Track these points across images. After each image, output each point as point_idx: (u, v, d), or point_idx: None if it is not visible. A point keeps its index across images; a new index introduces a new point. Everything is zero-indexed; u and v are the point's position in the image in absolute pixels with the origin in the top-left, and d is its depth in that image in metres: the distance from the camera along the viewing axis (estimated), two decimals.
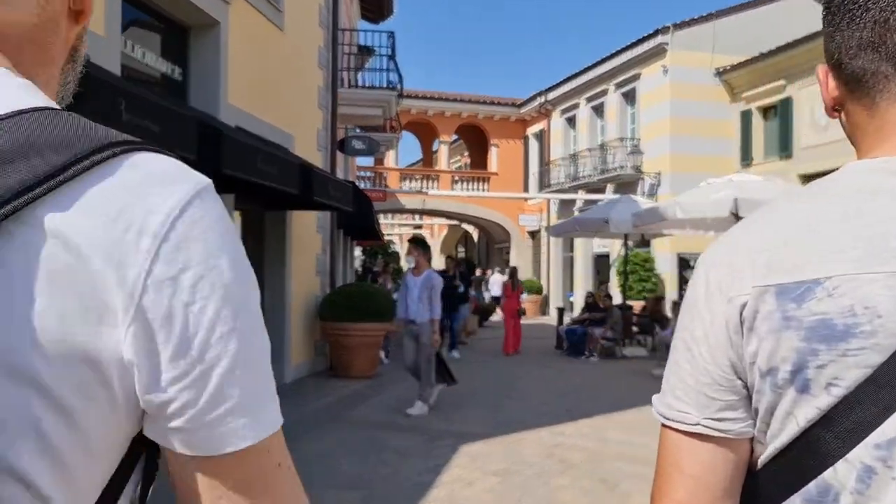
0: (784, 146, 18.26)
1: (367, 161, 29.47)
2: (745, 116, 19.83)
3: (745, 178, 10.31)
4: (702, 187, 10.91)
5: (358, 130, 12.03)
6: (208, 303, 0.51)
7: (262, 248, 9.00)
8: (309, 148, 10.07)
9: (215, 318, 0.51)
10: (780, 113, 18.51)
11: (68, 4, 0.60)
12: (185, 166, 0.55)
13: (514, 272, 14.45)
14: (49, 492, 0.49)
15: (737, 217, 9.48)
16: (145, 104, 4.38)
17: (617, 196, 14.99)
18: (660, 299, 14.13)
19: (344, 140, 11.39)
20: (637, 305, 15.88)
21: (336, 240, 13.19)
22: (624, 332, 13.18)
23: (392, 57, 12.07)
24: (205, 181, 0.54)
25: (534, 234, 29.35)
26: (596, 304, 14.02)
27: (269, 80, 8.48)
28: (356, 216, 11.77)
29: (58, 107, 0.54)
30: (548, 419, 7.15)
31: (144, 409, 0.52)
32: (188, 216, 0.51)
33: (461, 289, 12.72)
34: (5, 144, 0.48)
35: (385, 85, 12.13)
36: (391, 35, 11.82)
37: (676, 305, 10.91)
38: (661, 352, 10.74)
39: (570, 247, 26.19)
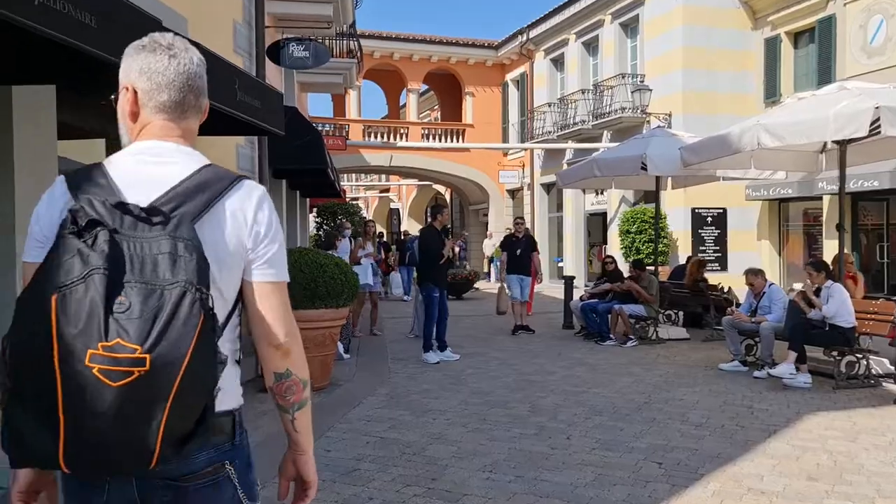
0: (824, 76, 15.17)
1: (325, 110, 25.84)
2: (771, 44, 16.71)
3: (865, 86, 7.14)
4: (788, 104, 7.75)
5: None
6: (273, 227, 1.46)
7: None
8: (219, 48, 6.58)
9: (276, 235, 1.46)
10: (820, 36, 15.41)
11: None
12: (257, 185, 1.49)
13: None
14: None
15: (857, 139, 6.38)
16: None
17: (651, 129, 11.79)
18: (703, 263, 11.04)
19: (278, 45, 7.93)
20: (663, 271, 12.81)
21: (275, 189, 9.76)
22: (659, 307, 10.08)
23: None
24: (262, 189, 1.48)
25: (514, 193, 26.14)
26: (617, 270, 10.89)
27: None
28: (302, 154, 8.36)
29: (209, 162, 1.45)
30: (634, 489, 3.99)
31: (246, 262, 1.43)
32: (264, 203, 1.45)
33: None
34: (194, 184, 1.37)
35: None
36: None
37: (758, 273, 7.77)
38: (730, 331, 7.65)
39: (557, 205, 23.07)
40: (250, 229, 1.40)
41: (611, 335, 9.74)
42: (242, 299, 1.43)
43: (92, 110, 5.48)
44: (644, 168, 9.12)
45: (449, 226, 28.34)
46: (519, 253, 10.88)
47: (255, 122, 5.24)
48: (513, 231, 11.48)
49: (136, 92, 1.42)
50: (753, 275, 7.66)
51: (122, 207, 1.23)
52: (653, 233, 16.67)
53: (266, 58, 7.88)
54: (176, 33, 1.48)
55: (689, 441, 4.96)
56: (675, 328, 10.38)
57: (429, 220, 8.99)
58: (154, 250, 1.20)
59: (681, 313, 11.22)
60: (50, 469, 1.28)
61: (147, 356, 1.13)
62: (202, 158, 1.43)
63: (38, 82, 3.93)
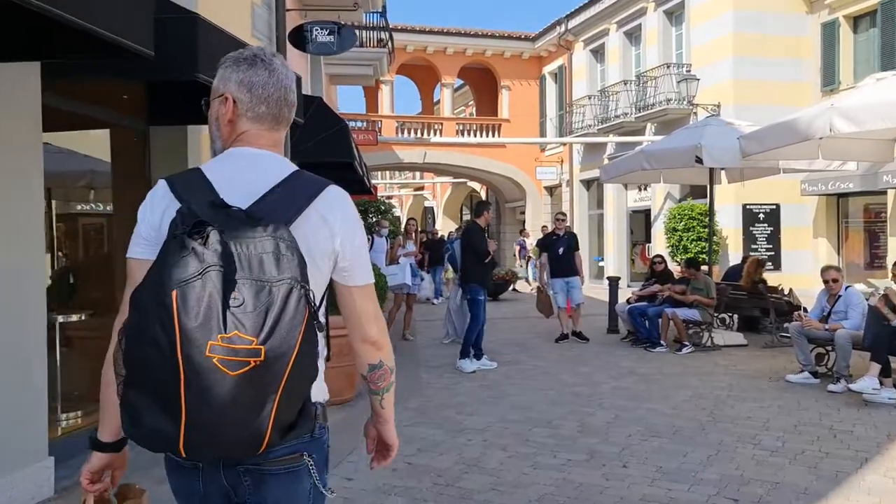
0: (887, 62, 14.14)
1: (357, 106, 25.35)
2: (829, 29, 15.69)
3: None
4: (865, 86, 6.95)
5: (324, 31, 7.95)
6: (358, 231, 1.53)
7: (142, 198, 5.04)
8: (236, 31, 6.04)
9: (361, 237, 1.54)
10: (882, 19, 14.38)
11: None
12: (341, 190, 1.56)
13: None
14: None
15: None
16: None
17: (704, 118, 10.99)
18: (761, 263, 10.20)
19: (301, 29, 7.40)
20: (715, 272, 11.98)
21: None
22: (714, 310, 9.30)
23: None
24: (345, 194, 1.55)
25: (552, 190, 25.37)
26: (667, 271, 10.14)
27: None
28: (327, 147, 7.81)
29: (298, 167, 1.54)
30: None
31: (337, 267, 1.52)
32: (348, 208, 1.52)
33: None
34: (287, 189, 1.45)
35: None
36: None
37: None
38: (799, 338, 6.88)
39: (598, 202, 22.24)
40: (340, 236, 1.49)
41: (661, 341, 9.01)
42: (338, 300, 1.55)
43: (94, 97, 5.00)
44: (699, 160, 8.36)
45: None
46: (562, 252, 9.75)
47: None
48: (552, 228, 10.48)
49: (235, 102, 1.52)
50: (837, 270, 6.85)
51: (225, 209, 1.34)
52: (701, 230, 15.83)
53: (289, 44, 7.35)
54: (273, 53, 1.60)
55: (766, 471, 4.27)
56: (732, 333, 9.59)
57: (472, 216, 8.28)
58: (259, 249, 1.27)
59: (735, 317, 10.43)
60: (171, 453, 1.35)
61: (262, 347, 1.21)
62: (291, 165, 1.54)
63: (9, 59, 3.42)
